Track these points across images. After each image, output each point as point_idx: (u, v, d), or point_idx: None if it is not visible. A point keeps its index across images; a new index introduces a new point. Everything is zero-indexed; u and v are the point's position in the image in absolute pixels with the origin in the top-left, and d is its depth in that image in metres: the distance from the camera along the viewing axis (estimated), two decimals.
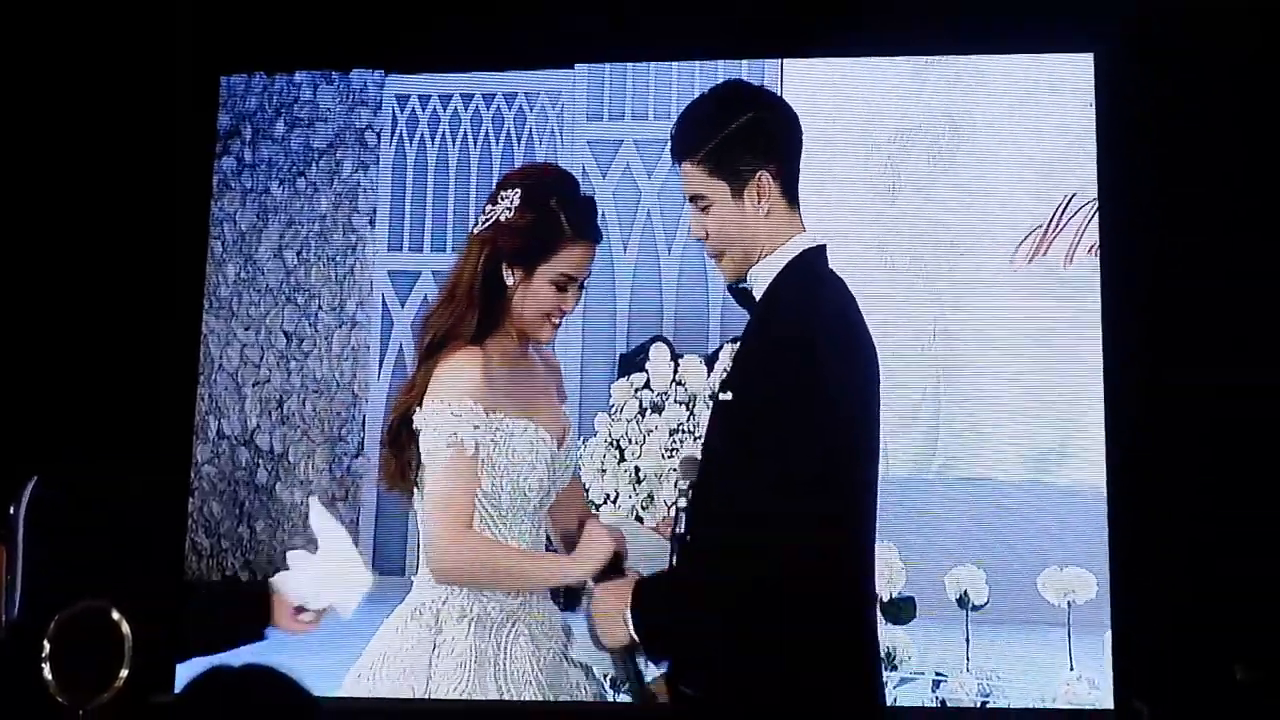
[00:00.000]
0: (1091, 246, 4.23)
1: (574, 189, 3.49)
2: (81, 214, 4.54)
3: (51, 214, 4.54)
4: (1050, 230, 4.26)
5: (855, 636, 3.07)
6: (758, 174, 3.05)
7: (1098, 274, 4.16)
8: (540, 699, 3.35)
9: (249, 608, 3.24)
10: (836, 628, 2.98)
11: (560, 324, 3.44)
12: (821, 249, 3.13)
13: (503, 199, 3.40)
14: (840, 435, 2.96)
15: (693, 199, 3.12)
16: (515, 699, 3.33)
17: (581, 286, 3.43)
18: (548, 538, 3.48)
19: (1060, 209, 4.25)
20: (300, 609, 3.22)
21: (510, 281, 3.38)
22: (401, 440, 3.41)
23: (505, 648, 3.36)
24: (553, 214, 3.37)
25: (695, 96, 3.28)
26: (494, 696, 3.33)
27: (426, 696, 3.34)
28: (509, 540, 3.36)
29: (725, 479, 3.04)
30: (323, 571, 3.23)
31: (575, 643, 3.47)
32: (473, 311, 3.38)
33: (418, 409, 3.37)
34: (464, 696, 3.33)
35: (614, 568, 3.31)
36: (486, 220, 3.42)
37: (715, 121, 3.09)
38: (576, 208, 3.41)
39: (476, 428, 3.31)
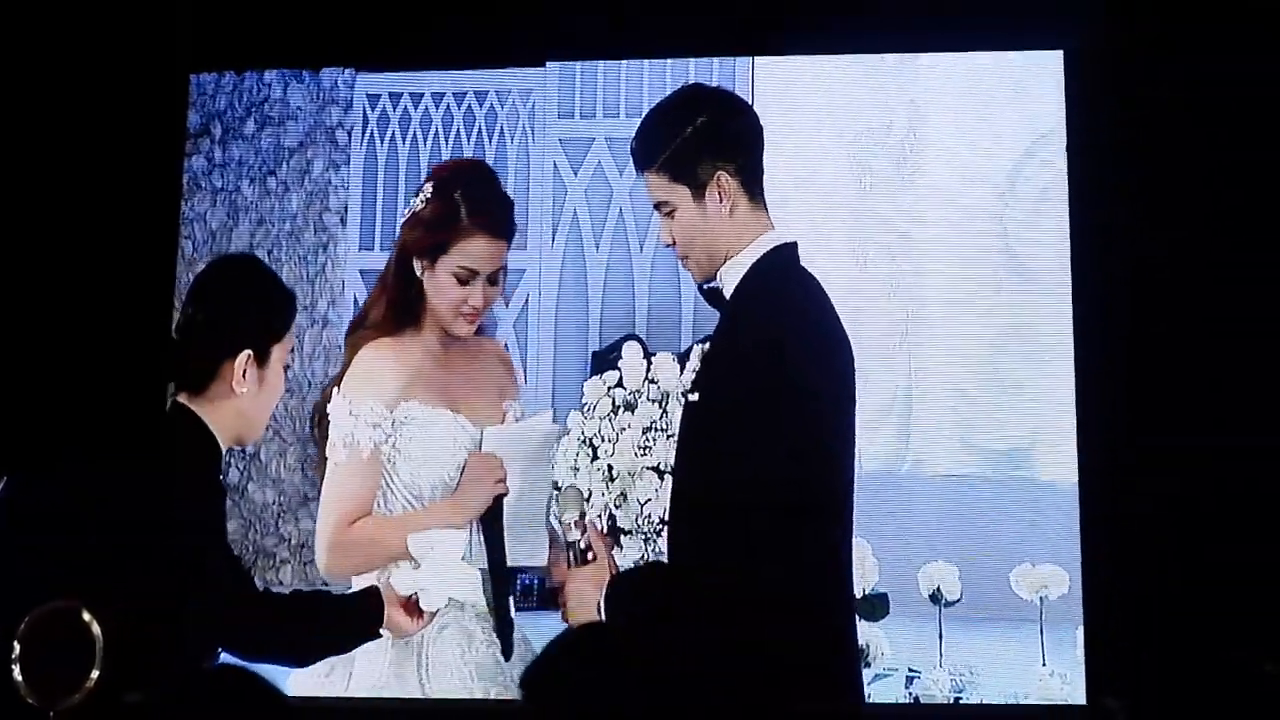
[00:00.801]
0: (1037, 256, 4.23)
1: (482, 182, 3.50)
2: (51, 215, 4.52)
3: (20, 214, 4.52)
4: (986, 238, 4.27)
5: (834, 635, 3.08)
6: (716, 174, 3.07)
7: (1069, 270, 4.17)
8: (467, 696, 3.35)
9: (362, 609, 3.26)
10: (815, 627, 2.99)
11: (477, 320, 3.44)
12: (792, 246, 3.14)
13: (422, 192, 3.43)
14: (814, 433, 2.97)
15: (657, 206, 3.15)
16: (437, 696, 3.32)
17: (493, 283, 3.42)
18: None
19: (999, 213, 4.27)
20: (410, 601, 3.24)
21: (420, 273, 3.40)
22: (323, 430, 3.43)
23: (430, 643, 3.36)
24: (454, 205, 3.39)
25: (658, 101, 3.30)
26: (415, 693, 3.32)
27: (346, 694, 3.33)
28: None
29: (699, 480, 3.04)
30: (435, 571, 3.26)
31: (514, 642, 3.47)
32: (383, 301, 3.40)
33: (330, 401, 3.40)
34: (383, 693, 3.33)
35: (494, 509, 3.35)
36: (408, 213, 3.44)
37: (669, 129, 3.12)
38: (481, 201, 3.42)
39: (376, 426, 3.33)
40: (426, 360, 3.43)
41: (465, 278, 3.39)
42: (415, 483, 3.37)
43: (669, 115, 3.20)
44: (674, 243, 3.16)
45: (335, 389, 3.43)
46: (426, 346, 3.44)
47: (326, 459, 3.43)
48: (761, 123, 3.23)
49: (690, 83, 3.69)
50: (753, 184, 3.13)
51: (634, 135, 3.20)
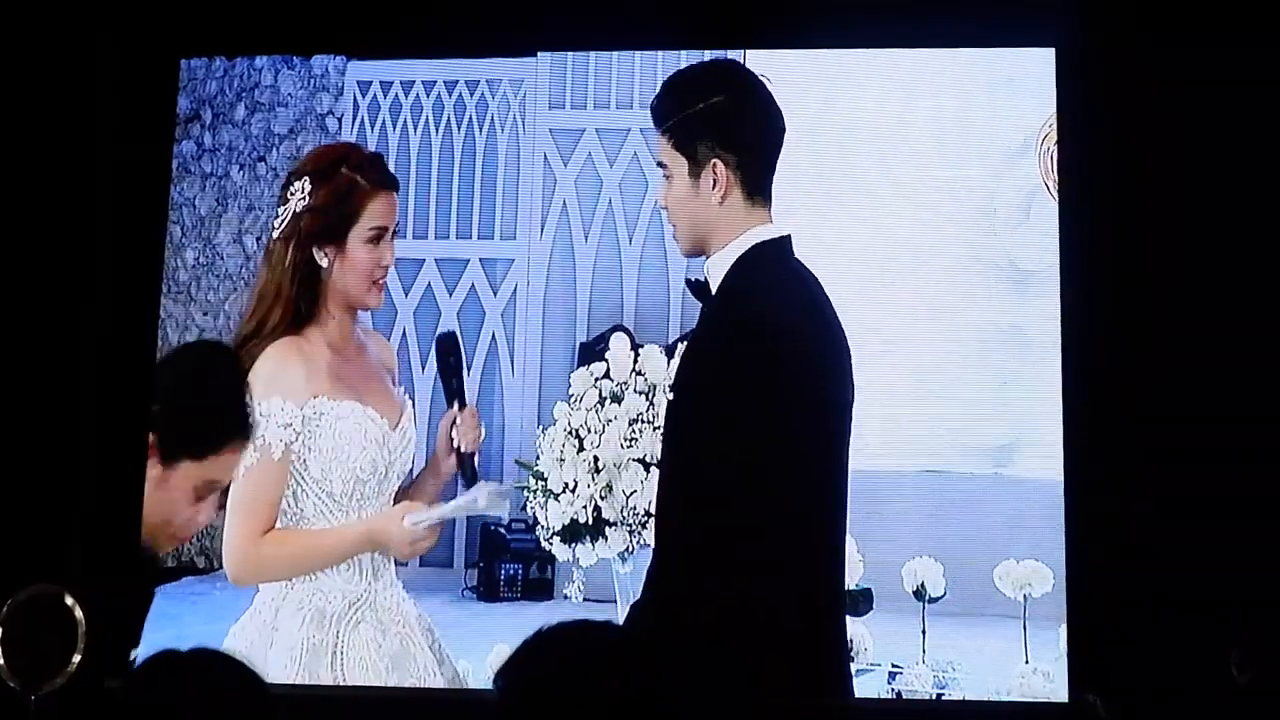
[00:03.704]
0: (1024, 253, 4.24)
1: (353, 152, 3.62)
2: (38, 198, 4.50)
3: (8, 197, 4.50)
4: (973, 232, 4.28)
5: (823, 632, 3.08)
6: (713, 161, 3.07)
7: (1056, 268, 4.18)
8: (380, 685, 3.35)
9: None
10: (804, 624, 2.99)
11: (383, 284, 3.47)
12: (784, 240, 3.14)
13: (294, 193, 3.44)
14: (806, 428, 2.97)
15: (659, 164, 3.16)
16: (350, 685, 3.32)
17: (394, 237, 3.47)
18: None
19: (985, 210, 4.27)
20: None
21: (325, 262, 3.41)
22: None
23: (344, 636, 3.36)
24: (346, 178, 3.43)
25: (671, 75, 3.29)
26: (327, 684, 3.32)
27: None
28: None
29: (687, 475, 3.04)
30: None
31: (424, 633, 3.47)
32: (280, 307, 3.39)
33: None
34: (295, 681, 3.31)
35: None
36: (283, 219, 3.43)
37: (684, 97, 3.14)
38: (366, 163, 3.49)
39: (286, 426, 3.32)
40: (327, 353, 3.44)
41: (377, 236, 3.46)
42: (326, 478, 3.37)
43: (690, 83, 3.23)
44: (665, 206, 3.18)
45: None
46: (327, 339, 3.45)
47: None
48: (785, 123, 3.22)
49: (730, 58, 3.66)
50: (754, 181, 3.13)
51: (657, 91, 3.22)
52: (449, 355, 3.57)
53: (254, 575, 3.39)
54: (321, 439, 3.36)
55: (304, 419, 3.35)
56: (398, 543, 3.37)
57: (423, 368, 4.12)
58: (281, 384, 3.36)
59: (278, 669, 3.35)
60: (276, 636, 3.37)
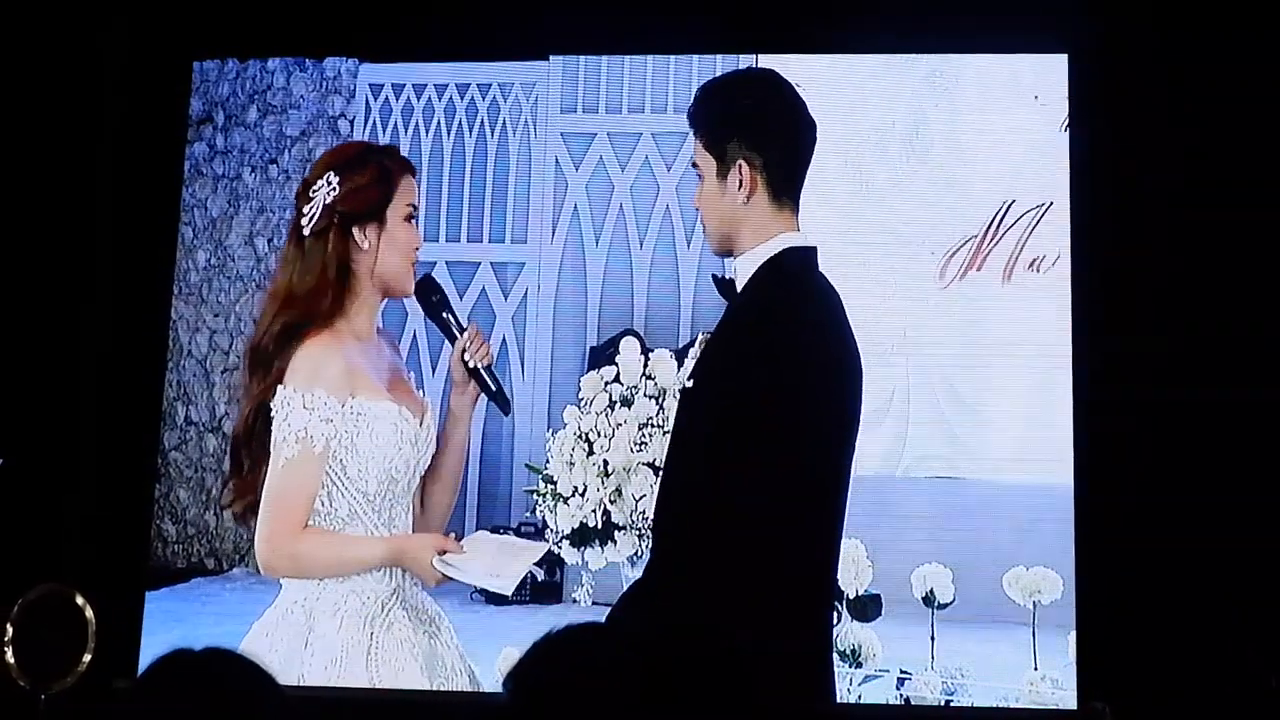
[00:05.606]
0: (1035, 260, 4.25)
1: (371, 143, 3.75)
2: (51, 198, 4.51)
3: (22, 197, 4.52)
4: (986, 242, 4.29)
5: (816, 634, 3.08)
6: (739, 162, 3.09)
7: (1068, 275, 4.18)
8: (415, 686, 3.35)
9: None
10: (798, 625, 2.99)
11: (416, 265, 3.47)
12: (812, 250, 3.15)
13: (319, 189, 3.39)
14: (813, 433, 2.97)
15: (693, 165, 3.19)
16: (386, 687, 3.31)
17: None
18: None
19: (998, 218, 4.28)
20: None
21: (366, 245, 3.38)
22: (256, 434, 3.37)
23: (378, 637, 3.35)
24: (375, 162, 3.42)
25: (674, 87, 3.32)
26: (364, 685, 3.31)
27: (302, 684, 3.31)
28: (380, 530, 3.36)
29: (694, 471, 3.05)
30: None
31: (447, 631, 3.48)
32: (329, 290, 3.35)
33: (273, 397, 3.35)
34: (331, 683, 3.30)
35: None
36: (312, 214, 3.40)
37: (717, 101, 3.17)
38: (387, 150, 3.51)
39: (329, 421, 3.29)
40: (358, 345, 3.42)
41: (411, 214, 3.44)
42: (363, 478, 3.34)
43: (723, 87, 3.27)
44: (699, 207, 3.22)
45: (272, 392, 3.38)
46: (353, 332, 3.43)
47: (248, 470, 3.39)
48: (817, 134, 3.24)
49: (766, 68, 3.67)
50: (781, 185, 3.14)
51: (694, 98, 3.27)
52: (430, 295, 3.55)
53: (289, 570, 3.37)
54: (360, 439, 3.34)
55: (344, 417, 3.33)
56: (425, 576, 3.36)
57: (433, 370, 4.11)
58: (324, 378, 3.32)
59: (316, 670, 3.34)
60: (313, 638, 3.34)
